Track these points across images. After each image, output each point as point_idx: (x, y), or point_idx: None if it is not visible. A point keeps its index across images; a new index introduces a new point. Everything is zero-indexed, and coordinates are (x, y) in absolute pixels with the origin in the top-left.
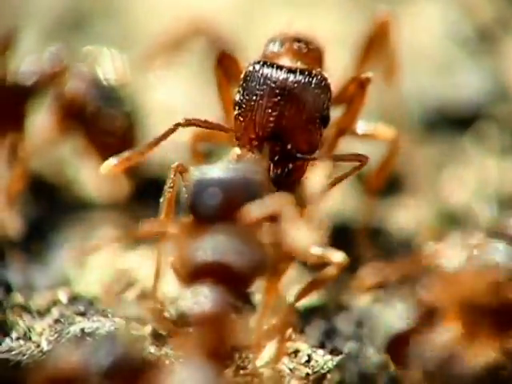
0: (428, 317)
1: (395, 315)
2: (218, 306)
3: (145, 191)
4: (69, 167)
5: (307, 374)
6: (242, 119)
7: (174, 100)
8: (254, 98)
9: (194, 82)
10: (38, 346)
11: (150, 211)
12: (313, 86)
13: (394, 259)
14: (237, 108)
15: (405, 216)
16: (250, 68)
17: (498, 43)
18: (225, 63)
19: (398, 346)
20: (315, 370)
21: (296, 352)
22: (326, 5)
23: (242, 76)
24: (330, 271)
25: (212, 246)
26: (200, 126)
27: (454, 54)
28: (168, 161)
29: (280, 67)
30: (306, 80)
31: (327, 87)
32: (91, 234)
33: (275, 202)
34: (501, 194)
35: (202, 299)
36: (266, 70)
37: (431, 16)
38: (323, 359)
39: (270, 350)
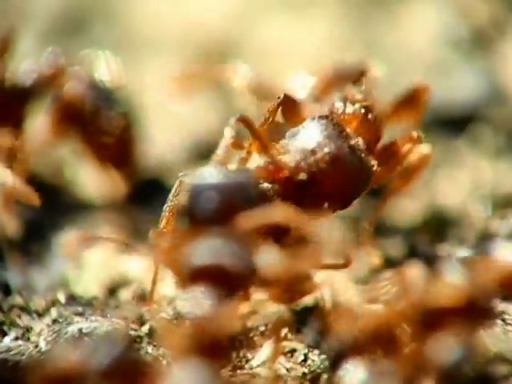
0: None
1: None
2: (214, 308)
3: (143, 192)
4: (67, 168)
5: (304, 374)
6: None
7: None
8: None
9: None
10: (37, 346)
11: (148, 212)
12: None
13: (390, 259)
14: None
15: (399, 217)
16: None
17: (492, 45)
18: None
19: None
20: (312, 369)
21: (292, 352)
22: (322, 8)
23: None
24: None
25: (207, 250)
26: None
27: (449, 55)
28: (166, 162)
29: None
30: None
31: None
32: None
33: (274, 212)
34: (495, 195)
35: (197, 301)
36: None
37: (426, 17)
38: (319, 359)
39: (266, 349)
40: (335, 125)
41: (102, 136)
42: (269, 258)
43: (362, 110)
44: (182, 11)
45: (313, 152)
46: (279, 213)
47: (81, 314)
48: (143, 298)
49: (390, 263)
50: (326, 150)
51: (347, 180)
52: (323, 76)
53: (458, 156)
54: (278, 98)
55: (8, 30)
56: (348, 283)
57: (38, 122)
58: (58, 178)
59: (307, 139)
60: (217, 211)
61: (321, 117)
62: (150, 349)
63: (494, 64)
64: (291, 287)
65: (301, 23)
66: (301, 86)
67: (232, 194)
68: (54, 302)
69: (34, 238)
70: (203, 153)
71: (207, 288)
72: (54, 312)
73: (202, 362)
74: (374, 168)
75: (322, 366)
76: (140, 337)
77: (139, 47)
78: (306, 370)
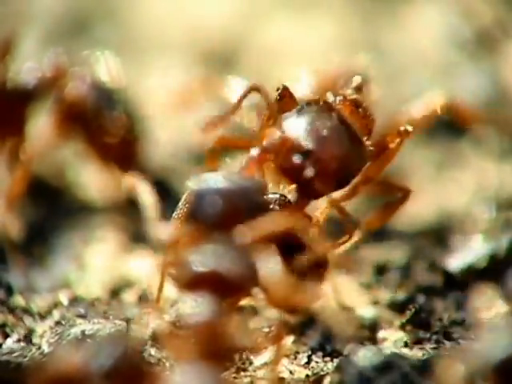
0: None
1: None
2: (214, 315)
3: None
4: (70, 170)
5: (307, 376)
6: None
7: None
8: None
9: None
10: (39, 347)
11: None
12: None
13: (394, 262)
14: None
15: (403, 219)
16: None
17: (497, 46)
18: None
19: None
20: (315, 371)
21: (296, 354)
22: (324, 7)
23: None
24: None
25: (207, 256)
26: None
27: (453, 56)
28: (169, 163)
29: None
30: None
31: None
32: (92, 236)
33: (275, 220)
34: (499, 197)
35: (198, 308)
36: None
37: (431, 19)
38: (323, 361)
39: (269, 351)
40: (330, 107)
41: (105, 137)
42: (270, 267)
43: (352, 102)
44: (186, 12)
45: (311, 129)
46: (282, 221)
47: (83, 316)
48: (146, 299)
49: (393, 266)
50: (323, 126)
51: (344, 157)
52: (323, 77)
53: (462, 157)
54: (278, 89)
55: (10, 32)
56: (352, 285)
57: (41, 124)
58: (60, 180)
59: (304, 119)
60: (219, 217)
61: (315, 100)
62: (153, 351)
63: (498, 65)
64: (291, 298)
65: (305, 24)
66: (300, 84)
67: (236, 200)
68: (57, 304)
69: (37, 240)
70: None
71: (206, 294)
72: (56, 314)
73: (204, 365)
74: (370, 149)
75: (325, 369)
76: (143, 339)
77: (142, 48)
78: (309, 373)
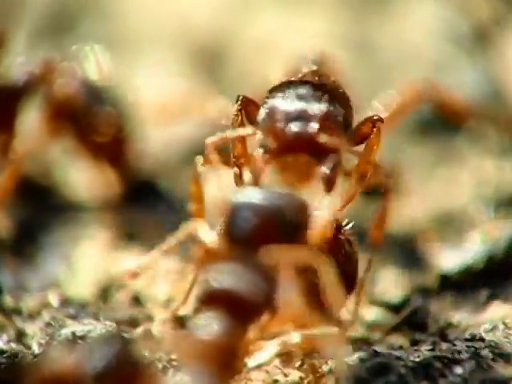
0: None
1: None
2: (224, 333)
3: (136, 192)
4: (58, 168)
5: (301, 378)
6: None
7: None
8: None
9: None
10: (30, 348)
11: (141, 212)
12: None
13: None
14: None
15: (400, 217)
16: None
17: (493, 42)
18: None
19: None
20: (309, 374)
21: (289, 356)
22: (317, 3)
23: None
24: None
25: (227, 273)
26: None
27: (449, 52)
28: (160, 162)
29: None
30: None
31: None
32: (82, 235)
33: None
34: (498, 196)
35: (210, 326)
36: None
37: (426, 14)
38: (317, 363)
39: (263, 354)
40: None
41: (95, 134)
42: (288, 294)
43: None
44: (174, 6)
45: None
46: (306, 257)
47: (74, 317)
48: (137, 299)
49: (390, 266)
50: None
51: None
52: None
53: (458, 155)
54: (237, 100)
55: None
56: None
57: (31, 122)
58: (48, 179)
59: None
60: (250, 233)
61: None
62: (144, 352)
63: (495, 61)
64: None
65: (295, 18)
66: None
67: (270, 218)
68: (47, 305)
69: (26, 239)
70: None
71: (220, 312)
72: (46, 315)
73: (210, 373)
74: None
75: (319, 371)
76: (135, 340)
77: (131, 43)
78: (303, 375)
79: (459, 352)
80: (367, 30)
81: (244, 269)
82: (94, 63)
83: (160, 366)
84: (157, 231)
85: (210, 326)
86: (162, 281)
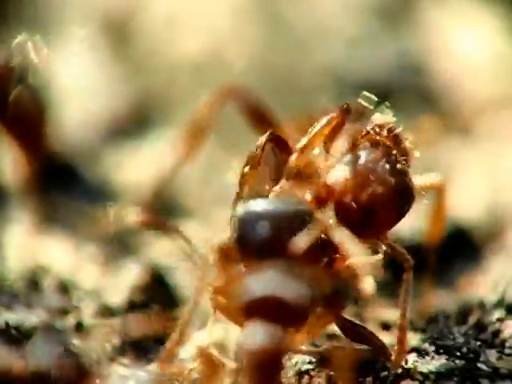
0: None
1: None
2: (273, 344)
3: (55, 176)
4: None
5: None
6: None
7: (88, 84)
8: None
9: (107, 67)
10: None
11: (61, 196)
12: None
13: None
14: None
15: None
16: None
17: (414, 14)
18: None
19: None
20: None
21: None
22: None
23: None
24: None
25: (263, 281)
26: None
27: (370, 25)
28: (79, 146)
29: None
30: None
31: None
32: (6, 220)
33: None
34: None
35: (255, 336)
36: None
37: None
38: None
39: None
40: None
41: (16, 121)
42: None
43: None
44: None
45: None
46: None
47: (6, 306)
48: (64, 287)
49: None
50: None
51: (399, 206)
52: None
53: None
54: (266, 134)
55: None
56: None
57: None
58: None
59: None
60: (266, 242)
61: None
62: (76, 341)
63: (417, 34)
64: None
65: None
66: None
67: (283, 224)
68: None
69: None
70: (119, 136)
71: (264, 322)
72: None
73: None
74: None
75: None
76: (69, 330)
77: (43, 23)
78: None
79: None
80: (277, 3)
81: (278, 274)
82: (18, 48)
83: (94, 357)
84: (77, 214)
85: (259, 336)
86: (89, 267)
